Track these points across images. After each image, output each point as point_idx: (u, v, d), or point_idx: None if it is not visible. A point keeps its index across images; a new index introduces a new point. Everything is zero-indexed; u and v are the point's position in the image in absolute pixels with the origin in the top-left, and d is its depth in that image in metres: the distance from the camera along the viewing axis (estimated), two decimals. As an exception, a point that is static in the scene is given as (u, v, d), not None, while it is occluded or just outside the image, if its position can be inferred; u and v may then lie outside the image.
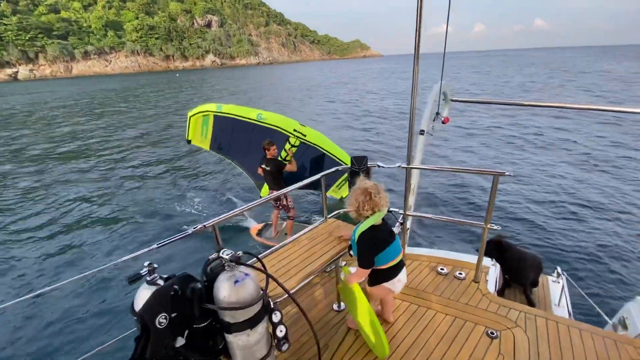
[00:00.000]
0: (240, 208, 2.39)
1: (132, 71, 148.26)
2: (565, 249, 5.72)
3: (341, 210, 3.26)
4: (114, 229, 7.38)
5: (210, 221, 2.17)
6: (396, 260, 2.12)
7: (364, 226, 2.00)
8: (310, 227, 2.91)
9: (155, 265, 1.47)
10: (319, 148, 6.32)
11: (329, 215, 3.07)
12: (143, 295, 1.36)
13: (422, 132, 4.03)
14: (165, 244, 1.93)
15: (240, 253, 1.80)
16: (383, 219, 2.08)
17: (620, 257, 5.34)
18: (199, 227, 2.10)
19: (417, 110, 2.74)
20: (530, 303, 3.39)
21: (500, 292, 3.87)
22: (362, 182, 2.07)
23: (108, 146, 15.51)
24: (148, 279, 1.44)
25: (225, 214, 2.26)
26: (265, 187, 6.50)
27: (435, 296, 2.78)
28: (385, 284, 2.17)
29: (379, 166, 2.98)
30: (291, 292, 2.57)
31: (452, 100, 4.14)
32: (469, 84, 34.35)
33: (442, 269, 3.10)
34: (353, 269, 2.21)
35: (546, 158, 10.36)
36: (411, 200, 4.27)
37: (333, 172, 3.00)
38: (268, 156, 5.67)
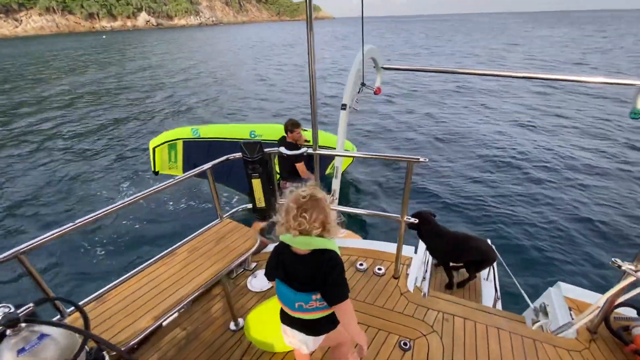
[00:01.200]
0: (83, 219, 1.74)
1: (49, 32, 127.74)
2: (494, 228, 5.75)
3: (240, 208, 2.71)
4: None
5: (11, 251, 1.52)
6: (285, 307, 1.49)
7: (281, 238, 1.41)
8: (198, 231, 2.35)
9: None
10: (327, 147, 5.42)
11: (225, 215, 2.53)
12: None
13: (343, 107, 3.54)
14: None
15: (31, 305, 1.23)
16: (318, 257, 1.34)
17: (549, 238, 5.43)
18: None
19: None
20: (450, 285, 3.31)
21: (436, 267, 3.81)
22: (302, 189, 1.35)
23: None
24: None
25: (42, 237, 1.60)
26: None
27: (350, 300, 2.43)
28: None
29: (281, 153, 2.44)
30: (170, 314, 2.08)
31: (383, 68, 3.64)
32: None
33: (361, 264, 2.75)
34: None
35: (477, 135, 10.28)
36: (334, 184, 3.85)
37: (223, 161, 2.41)
38: (288, 139, 4.46)
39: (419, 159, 2.09)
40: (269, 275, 1.51)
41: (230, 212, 2.60)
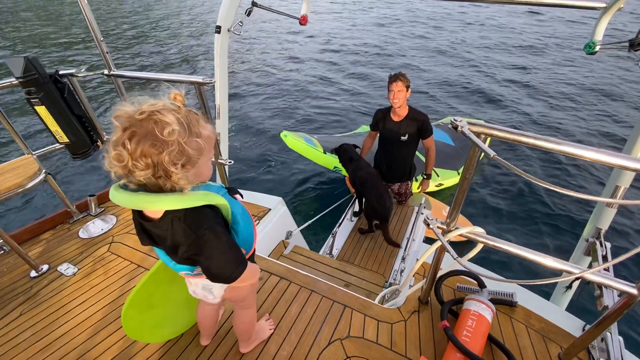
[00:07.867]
0: None
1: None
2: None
3: (53, 146, 2.31)
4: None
5: None
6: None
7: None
8: None
9: None
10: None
11: (36, 152, 2.17)
12: None
13: (218, 30, 2.94)
14: None
15: None
16: (174, 227, 0.87)
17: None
18: None
19: None
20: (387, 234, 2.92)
21: (357, 214, 3.49)
22: (150, 102, 0.79)
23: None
24: None
25: None
26: None
27: None
28: None
29: (73, 75, 1.98)
30: None
31: None
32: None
33: None
34: None
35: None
36: (218, 127, 3.38)
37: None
38: None
39: (205, 80, 1.65)
40: (139, 237, 1.01)
41: (41, 150, 2.24)
